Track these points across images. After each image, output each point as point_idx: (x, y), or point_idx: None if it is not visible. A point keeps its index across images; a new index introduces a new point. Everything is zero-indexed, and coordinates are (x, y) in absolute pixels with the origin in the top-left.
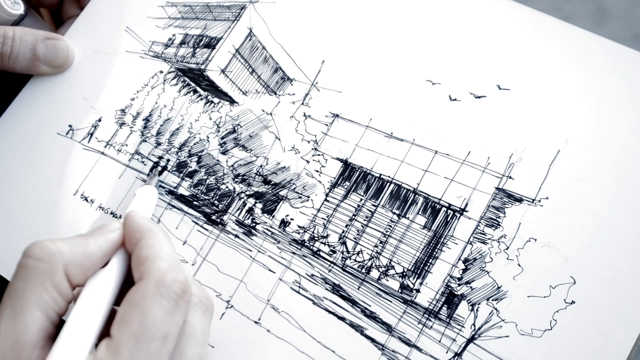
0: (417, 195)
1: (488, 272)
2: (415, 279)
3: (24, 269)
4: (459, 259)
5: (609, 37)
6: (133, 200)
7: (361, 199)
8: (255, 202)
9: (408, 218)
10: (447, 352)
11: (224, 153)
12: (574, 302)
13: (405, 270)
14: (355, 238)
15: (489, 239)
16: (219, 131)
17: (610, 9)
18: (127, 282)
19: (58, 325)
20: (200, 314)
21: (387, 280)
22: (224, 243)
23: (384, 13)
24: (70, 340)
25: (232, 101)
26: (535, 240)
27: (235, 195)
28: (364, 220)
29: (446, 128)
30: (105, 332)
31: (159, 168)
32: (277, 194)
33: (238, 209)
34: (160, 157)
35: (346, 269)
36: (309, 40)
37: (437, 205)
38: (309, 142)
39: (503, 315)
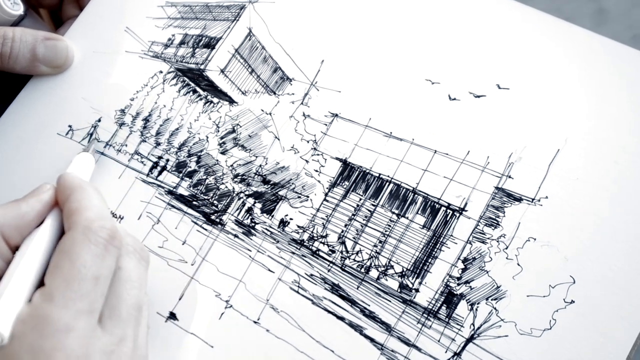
0: (416, 195)
1: (487, 272)
2: (414, 278)
3: None
4: (458, 259)
5: (609, 38)
6: (69, 166)
7: (360, 199)
8: (255, 202)
9: (407, 218)
10: (446, 352)
11: (223, 153)
12: (574, 302)
13: (405, 269)
14: (354, 238)
15: (488, 238)
16: (218, 131)
17: (610, 9)
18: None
19: None
20: (135, 261)
21: (387, 280)
22: (223, 243)
23: (383, 12)
24: (7, 292)
25: (231, 101)
26: (535, 239)
27: (234, 195)
28: (363, 219)
29: (445, 127)
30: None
31: (97, 138)
32: (277, 194)
33: (237, 209)
34: (160, 157)
35: (345, 268)
36: (308, 40)
37: (437, 205)
38: (308, 141)
39: (502, 314)
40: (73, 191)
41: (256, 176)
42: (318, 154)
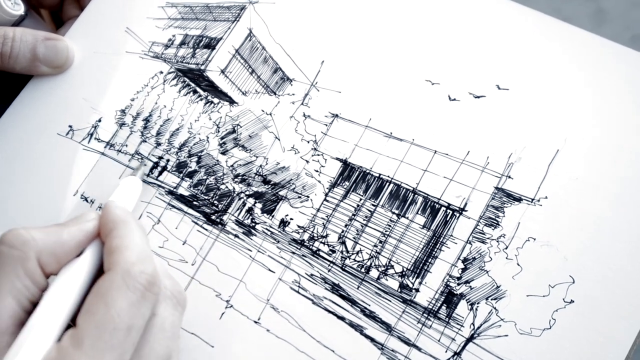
0: (416, 195)
1: (487, 272)
2: (414, 278)
3: None
4: (458, 259)
5: (607, 38)
6: (115, 190)
7: (360, 199)
8: (255, 202)
9: (407, 218)
10: (446, 352)
11: (223, 153)
12: (573, 302)
13: (405, 269)
14: (354, 238)
15: (488, 238)
16: (218, 131)
17: (608, 10)
18: (101, 273)
19: (30, 313)
20: (171, 308)
21: (387, 280)
22: (223, 243)
23: (383, 13)
24: (37, 328)
25: (231, 101)
26: (535, 239)
27: (234, 195)
28: (364, 220)
29: (445, 128)
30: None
31: (146, 161)
32: (277, 194)
33: (238, 209)
34: (160, 158)
35: (345, 268)
36: (309, 41)
37: (437, 205)
38: (308, 142)
39: (502, 314)
40: (116, 226)
41: (256, 176)
42: (318, 154)
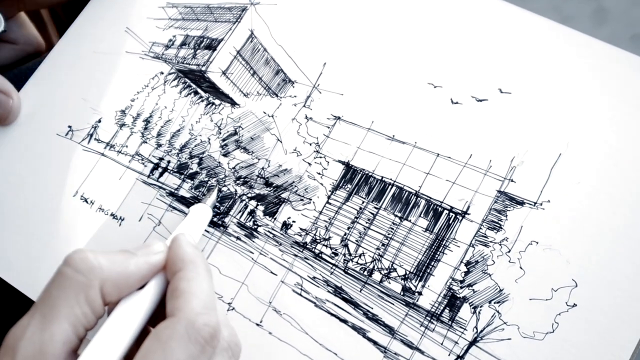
0: (419, 198)
1: (490, 275)
2: (417, 281)
3: (61, 277)
4: (461, 262)
5: (608, 37)
6: (185, 219)
7: (363, 202)
8: (257, 205)
9: (410, 221)
10: (449, 355)
11: (225, 155)
12: (576, 305)
13: (408, 272)
14: (357, 241)
15: (490, 241)
16: (220, 133)
17: (609, 9)
18: (162, 305)
19: (83, 339)
20: None
21: (389, 283)
22: (225, 245)
23: (385, 16)
24: None
25: (233, 103)
26: (537, 243)
27: (236, 197)
28: (366, 222)
29: (448, 131)
30: (129, 356)
31: (217, 187)
32: (279, 197)
33: (240, 211)
34: (161, 159)
35: (348, 271)
36: (311, 43)
37: (439, 208)
38: (310, 144)
39: (505, 317)
40: (185, 266)
41: (258, 179)
42: (320, 157)
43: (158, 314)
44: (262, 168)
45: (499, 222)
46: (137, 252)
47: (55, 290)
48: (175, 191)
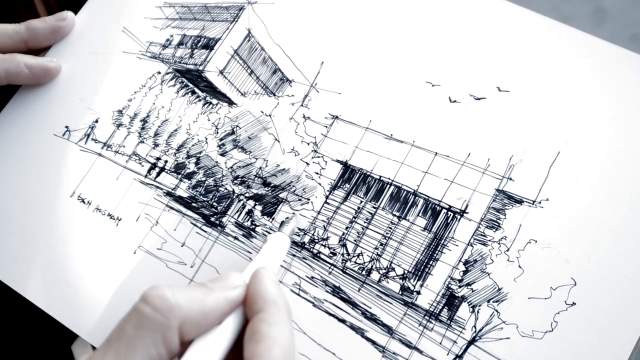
0: (417, 197)
1: (489, 274)
2: (415, 281)
3: (138, 315)
4: (460, 261)
5: (607, 37)
6: (263, 248)
7: (361, 201)
8: (255, 204)
9: (408, 220)
10: (448, 354)
11: (222, 154)
12: (575, 304)
13: (406, 272)
14: (355, 240)
15: (489, 240)
16: (217, 132)
17: (608, 8)
18: (238, 341)
19: None
20: None
21: (388, 283)
22: (223, 245)
23: (383, 14)
24: None
25: (230, 102)
26: (536, 241)
27: (234, 197)
28: (364, 222)
29: (446, 130)
30: None
31: (293, 215)
32: (277, 196)
33: (237, 211)
34: (158, 159)
35: (346, 271)
36: (308, 42)
37: (438, 207)
38: (308, 144)
39: (504, 317)
40: (267, 307)
41: (256, 178)
42: (318, 156)
43: (233, 349)
44: (260, 168)
45: (498, 220)
46: (215, 286)
47: (132, 329)
48: (173, 191)
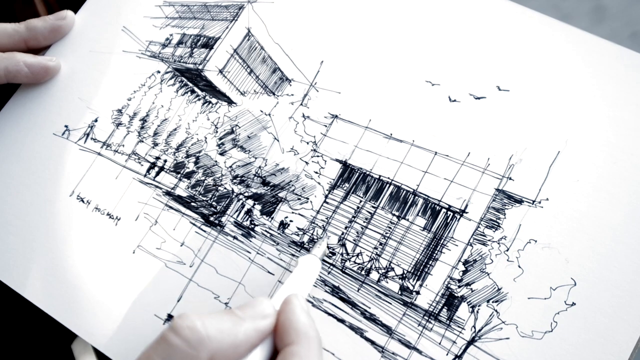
0: (416, 197)
1: (488, 274)
2: (415, 280)
3: (167, 346)
4: (459, 261)
5: (607, 35)
6: (294, 271)
7: (360, 201)
8: (254, 204)
9: (408, 219)
10: (447, 355)
11: (222, 154)
12: (575, 304)
13: (405, 272)
14: (354, 240)
15: (489, 240)
16: (216, 132)
17: (608, 6)
18: None
19: None
20: None
21: (387, 282)
22: (222, 245)
23: (383, 13)
24: None
25: (230, 102)
26: (536, 241)
27: (233, 196)
28: (364, 222)
29: (446, 129)
30: None
31: (326, 234)
32: (276, 196)
33: (236, 211)
34: (158, 158)
35: (346, 271)
36: (308, 41)
37: (437, 207)
38: (308, 143)
39: (503, 317)
40: (298, 339)
41: (255, 177)
42: (318, 156)
43: None
44: (259, 167)
45: (498, 220)
46: (245, 314)
47: (159, 359)
48: (172, 190)
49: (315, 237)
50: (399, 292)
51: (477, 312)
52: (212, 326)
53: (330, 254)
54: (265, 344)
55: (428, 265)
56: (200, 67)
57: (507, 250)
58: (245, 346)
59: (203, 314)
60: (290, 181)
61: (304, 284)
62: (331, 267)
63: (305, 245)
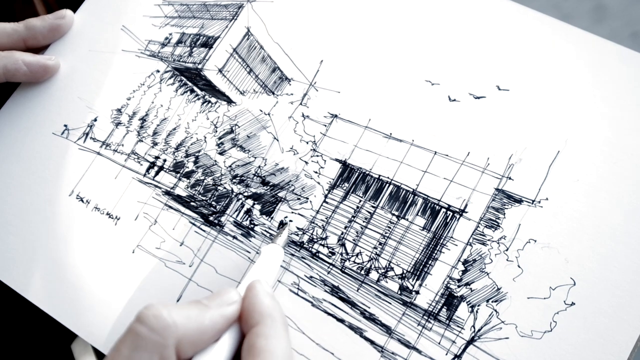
0: (416, 196)
1: (488, 274)
2: (414, 280)
3: (134, 336)
4: (459, 261)
5: (608, 35)
6: (257, 260)
7: (360, 200)
8: (254, 204)
9: (407, 219)
10: (446, 354)
11: (221, 153)
12: (574, 304)
13: (405, 271)
14: (354, 240)
15: (488, 240)
16: (216, 131)
17: (608, 6)
18: (235, 356)
19: None
20: None
21: (387, 282)
22: (221, 244)
23: (383, 13)
24: None
25: (229, 101)
26: (535, 241)
27: (233, 196)
28: (363, 221)
29: (445, 129)
30: None
31: (288, 224)
32: (276, 195)
33: (236, 210)
34: (157, 157)
35: (345, 270)
36: (307, 40)
37: (437, 206)
38: (307, 142)
39: (503, 316)
40: (262, 320)
41: (255, 177)
42: (317, 155)
43: None
44: (259, 167)
45: (497, 220)
46: (211, 303)
47: (128, 350)
48: (171, 190)
49: (316, 237)
50: (399, 292)
51: (477, 311)
52: (178, 314)
53: (330, 254)
54: (232, 329)
55: (427, 265)
56: (199, 66)
57: (507, 250)
58: (211, 332)
59: (170, 304)
60: (290, 181)
61: (267, 271)
62: (331, 267)
63: (304, 245)
